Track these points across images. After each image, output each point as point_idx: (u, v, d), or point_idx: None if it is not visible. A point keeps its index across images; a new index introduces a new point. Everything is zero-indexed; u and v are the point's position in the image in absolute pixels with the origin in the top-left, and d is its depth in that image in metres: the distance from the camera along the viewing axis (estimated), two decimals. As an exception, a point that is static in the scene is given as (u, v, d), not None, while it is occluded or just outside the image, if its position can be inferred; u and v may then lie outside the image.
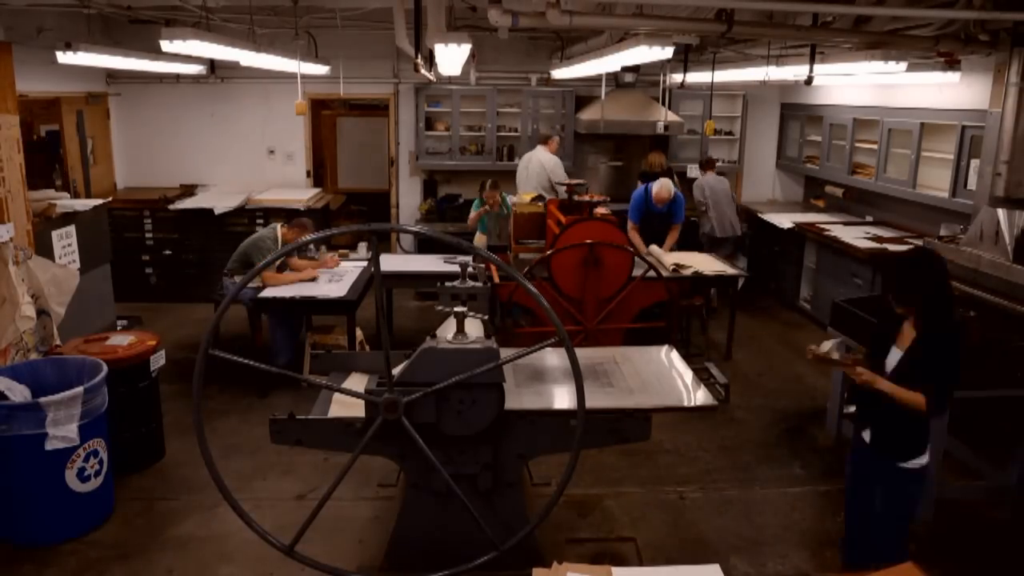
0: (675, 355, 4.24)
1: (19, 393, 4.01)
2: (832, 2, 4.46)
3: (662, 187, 6.95)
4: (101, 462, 4.07)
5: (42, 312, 4.99)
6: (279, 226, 6.23)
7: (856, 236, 7.15)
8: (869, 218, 7.96)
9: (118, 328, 6.63)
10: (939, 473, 4.13)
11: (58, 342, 5.02)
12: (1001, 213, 4.59)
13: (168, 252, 8.18)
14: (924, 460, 3.14)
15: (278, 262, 6.07)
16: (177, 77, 8.67)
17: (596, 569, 2.64)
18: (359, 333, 6.01)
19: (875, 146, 7.29)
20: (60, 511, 3.92)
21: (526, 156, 8.15)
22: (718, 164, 9.28)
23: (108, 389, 4.13)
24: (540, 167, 7.93)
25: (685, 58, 7.10)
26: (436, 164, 9.13)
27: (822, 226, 7.73)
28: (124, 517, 4.19)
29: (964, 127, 5.99)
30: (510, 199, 7.42)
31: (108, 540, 3.97)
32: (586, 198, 6.34)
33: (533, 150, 8.13)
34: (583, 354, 3.94)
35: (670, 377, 3.97)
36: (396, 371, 3.29)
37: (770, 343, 7.14)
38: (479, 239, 7.47)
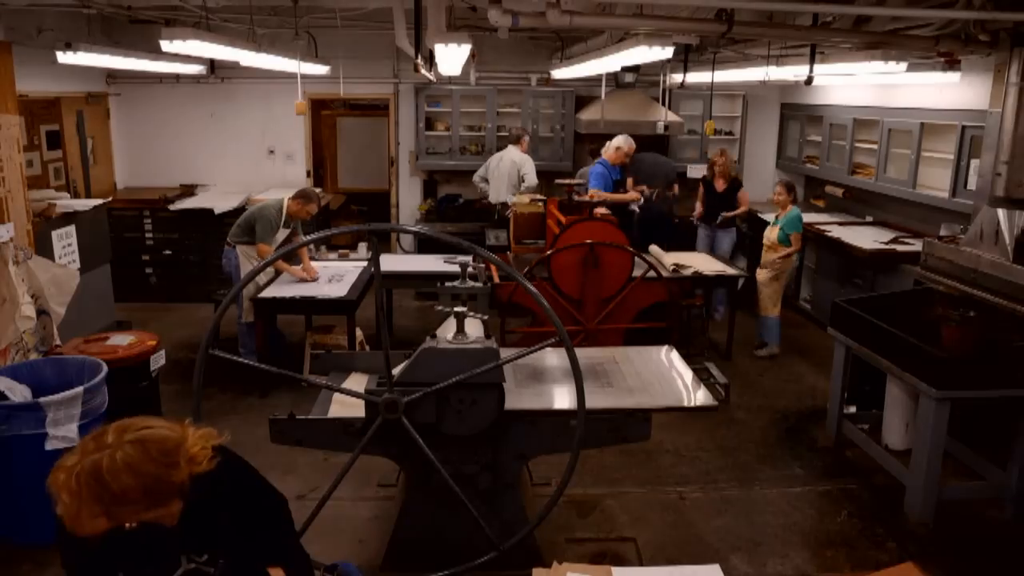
0: (675, 355, 4.24)
1: (19, 393, 4.01)
2: (832, 2, 4.46)
3: (625, 140, 7.07)
4: (101, 462, 4.06)
5: (42, 312, 4.99)
6: (286, 198, 6.03)
7: (856, 236, 7.14)
8: (869, 218, 7.95)
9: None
10: (939, 473, 4.13)
11: (58, 342, 5.02)
12: (1001, 213, 4.58)
13: (168, 252, 8.18)
14: None
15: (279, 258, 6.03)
16: (177, 77, 8.67)
17: (596, 569, 2.65)
18: (359, 333, 6.00)
19: (875, 146, 7.29)
20: (60, 511, 3.92)
21: (495, 156, 8.22)
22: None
23: (108, 389, 4.12)
24: (511, 165, 7.99)
25: (685, 58, 7.10)
26: (436, 164, 9.13)
27: (822, 226, 7.72)
28: (124, 517, 4.18)
29: (964, 127, 5.99)
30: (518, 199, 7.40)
31: (108, 540, 3.97)
32: (586, 198, 6.34)
33: (504, 150, 8.20)
34: (583, 354, 3.94)
35: (670, 377, 3.97)
36: (396, 371, 3.29)
37: (770, 343, 7.14)
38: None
